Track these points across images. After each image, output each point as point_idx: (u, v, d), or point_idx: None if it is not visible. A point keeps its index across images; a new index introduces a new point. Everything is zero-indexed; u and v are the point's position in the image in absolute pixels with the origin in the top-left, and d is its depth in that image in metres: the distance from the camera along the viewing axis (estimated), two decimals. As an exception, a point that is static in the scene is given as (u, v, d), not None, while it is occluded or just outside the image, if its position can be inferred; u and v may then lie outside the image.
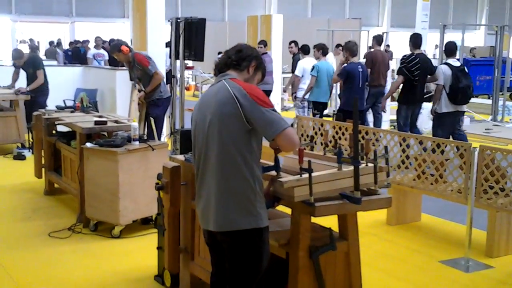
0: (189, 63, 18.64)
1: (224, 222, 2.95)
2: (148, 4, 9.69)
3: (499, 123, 13.35)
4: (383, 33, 17.45)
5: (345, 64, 8.72)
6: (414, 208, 6.17)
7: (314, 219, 3.37)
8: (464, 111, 8.49)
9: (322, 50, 10.05)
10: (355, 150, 3.10)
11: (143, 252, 5.05)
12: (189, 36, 8.62)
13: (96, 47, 15.66)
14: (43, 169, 6.87)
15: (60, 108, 7.06)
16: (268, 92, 10.99)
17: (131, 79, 7.73)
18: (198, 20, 8.69)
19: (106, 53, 14.44)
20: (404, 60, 8.44)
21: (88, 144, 5.48)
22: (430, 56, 26.64)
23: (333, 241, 3.30)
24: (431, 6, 24.93)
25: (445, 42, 9.19)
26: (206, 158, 3.01)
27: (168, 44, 9.89)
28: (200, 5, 28.35)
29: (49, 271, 4.72)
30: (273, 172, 3.29)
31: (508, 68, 14.39)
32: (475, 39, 36.34)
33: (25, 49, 24.92)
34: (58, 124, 6.47)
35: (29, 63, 9.16)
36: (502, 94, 14.10)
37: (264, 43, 12.18)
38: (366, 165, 3.30)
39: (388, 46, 30.03)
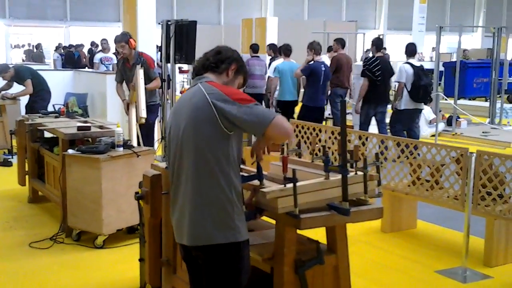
0: (184, 66, 18.44)
1: (198, 236, 2.74)
2: (139, 6, 9.52)
3: (497, 126, 13.19)
4: (379, 35, 17.18)
5: (311, 62, 9.17)
6: (409, 215, 5.97)
7: (301, 231, 3.18)
8: (422, 109, 9.09)
9: (286, 51, 10.33)
10: (343, 158, 2.90)
11: (126, 263, 4.83)
12: (180, 39, 8.45)
13: (103, 50, 14.79)
14: (26, 176, 6.66)
15: (44, 113, 6.85)
16: (259, 96, 10.78)
17: (117, 80, 7.27)
18: (189, 22, 8.51)
19: (114, 57, 13.40)
20: (366, 62, 9.06)
21: (70, 151, 5.27)
22: (427, 58, 26.66)
23: (321, 254, 3.09)
24: (428, 8, 24.83)
25: (441, 44, 9.21)
26: (180, 166, 2.81)
27: (159, 48, 9.72)
28: (195, 8, 28.18)
29: (26, 284, 4.51)
30: (256, 181, 3.09)
31: (506, 70, 14.23)
32: (472, 41, 36.22)
33: (20, 54, 24.85)
34: (40, 129, 6.25)
35: (17, 77, 9.04)
36: (500, 96, 13.91)
37: (255, 47, 11.93)
38: (356, 174, 3.10)
39: (384, 49, 29.93)
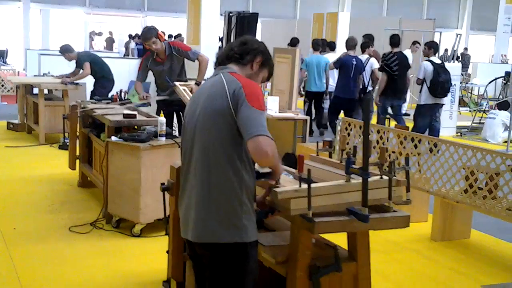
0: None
1: (203, 233, 2.61)
2: (203, -3, 9.50)
3: None
4: (457, 35, 16.49)
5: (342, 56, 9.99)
6: (463, 223, 5.62)
7: (322, 234, 3.00)
8: (443, 104, 9.63)
9: (314, 45, 11.15)
10: (364, 159, 2.68)
11: (158, 254, 4.75)
12: (241, 30, 8.40)
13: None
14: (77, 161, 6.74)
15: (98, 100, 6.91)
16: None
17: (139, 79, 6.82)
18: (250, 14, 8.44)
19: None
20: (384, 58, 9.71)
21: (113, 138, 5.27)
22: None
23: (338, 261, 2.89)
24: (514, 9, 23.65)
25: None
26: (190, 157, 2.69)
27: (220, 39, 9.69)
28: (272, 2, 28.02)
29: (57, 269, 4.52)
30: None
31: None
32: None
33: (101, 42, 25.49)
34: (91, 115, 6.29)
35: (78, 61, 9.16)
36: None
37: (294, 40, 12.16)
38: (381, 178, 2.88)
39: (466, 49, 28.85)
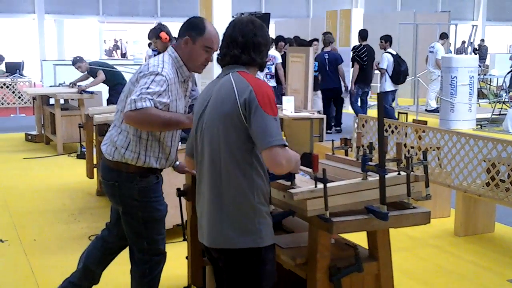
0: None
1: (217, 238, 2.56)
2: (214, 0, 9.47)
3: None
4: (473, 26, 16.31)
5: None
6: (486, 217, 5.52)
7: (341, 234, 2.93)
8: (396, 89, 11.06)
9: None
10: (380, 155, 2.62)
11: (178, 260, 4.72)
12: (253, 32, 8.34)
13: None
14: (95, 169, 6.74)
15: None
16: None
17: None
18: (262, 15, 8.41)
19: (278, 55, 11.23)
20: (355, 50, 11.17)
21: (127, 144, 5.24)
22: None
23: (359, 261, 2.83)
24: (531, -3, 23.34)
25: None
26: (202, 161, 2.64)
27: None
28: (284, 1, 27.89)
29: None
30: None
31: None
32: None
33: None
34: (97, 122, 6.27)
35: (90, 71, 9.23)
36: None
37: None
38: (399, 174, 2.81)
39: (482, 40, 28.52)
